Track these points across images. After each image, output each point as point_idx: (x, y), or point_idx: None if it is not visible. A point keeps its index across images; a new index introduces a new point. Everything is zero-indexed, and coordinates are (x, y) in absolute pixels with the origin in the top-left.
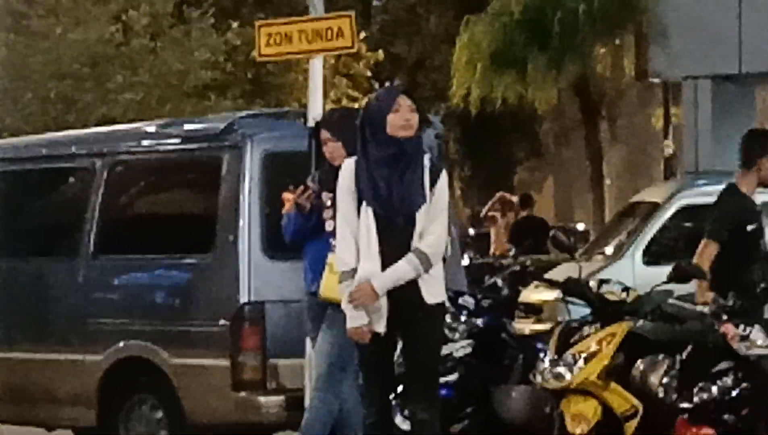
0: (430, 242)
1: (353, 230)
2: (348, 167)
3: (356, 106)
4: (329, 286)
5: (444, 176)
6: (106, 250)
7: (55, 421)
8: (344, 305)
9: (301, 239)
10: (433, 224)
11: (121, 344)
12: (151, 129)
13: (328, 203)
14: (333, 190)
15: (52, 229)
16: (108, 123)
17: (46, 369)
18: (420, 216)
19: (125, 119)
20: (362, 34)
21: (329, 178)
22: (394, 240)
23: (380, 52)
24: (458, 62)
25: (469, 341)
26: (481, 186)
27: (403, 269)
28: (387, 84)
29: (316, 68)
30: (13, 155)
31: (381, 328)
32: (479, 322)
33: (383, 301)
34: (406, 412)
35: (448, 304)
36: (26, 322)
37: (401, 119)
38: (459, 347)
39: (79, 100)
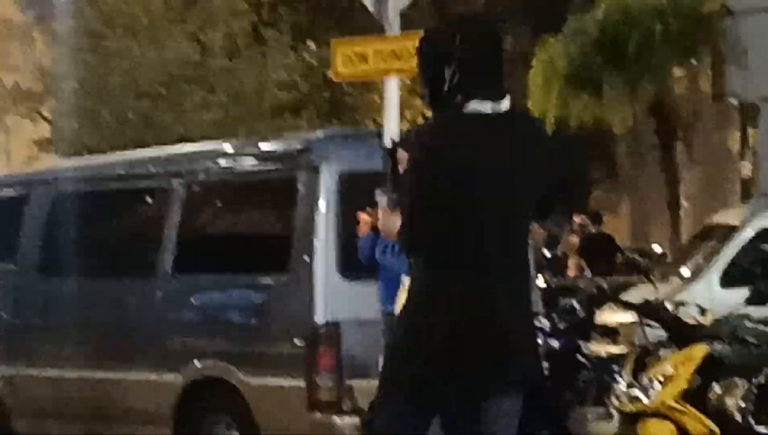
0: None
1: None
2: None
3: None
4: None
5: None
6: (183, 269)
7: None
8: None
9: (376, 259)
10: None
11: (197, 364)
12: (228, 149)
13: None
14: None
15: (129, 247)
16: (185, 142)
17: (123, 388)
18: None
19: (202, 138)
20: None
21: None
22: None
23: None
24: (534, 83)
25: (545, 363)
26: None
27: None
28: None
29: (392, 88)
30: (91, 174)
31: None
32: (555, 343)
33: None
34: None
35: None
36: (103, 341)
37: None
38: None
39: (157, 120)
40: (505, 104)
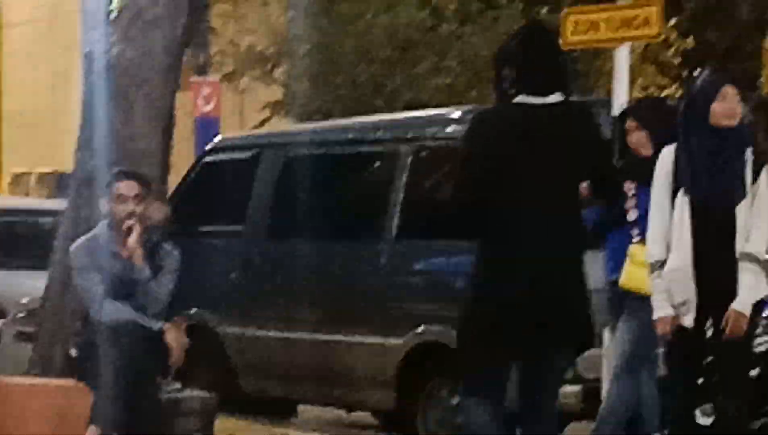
0: (760, 243)
1: (666, 220)
2: (667, 154)
3: (664, 94)
4: (630, 276)
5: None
6: (408, 234)
7: (354, 403)
8: (653, 297)
9: (602, 229)
10: (760, 220)
11: (421, 328)
12: (456, 115)
13: (631, 193)
14: (636, 180)
15: (355, 211)
16: (415, 107)
17: (347, 350)
18: (741, 211)
19: (432, 104)
20: (672, 21)
21: (633, 167)
22: (710, 234)
23: (690, 39)
24: None
25: None
26: None
27: (755, 284)
28: (706, 70)
29: (623, 57)
30: (321, 138)
31: (688, 322)
32: None
33: (692, 294)
34: (704, 408)
35: None
36: (329, 304)
37: (727, 109)
38: (760, 342)
39: (388, 84)
40: (553, 98)
